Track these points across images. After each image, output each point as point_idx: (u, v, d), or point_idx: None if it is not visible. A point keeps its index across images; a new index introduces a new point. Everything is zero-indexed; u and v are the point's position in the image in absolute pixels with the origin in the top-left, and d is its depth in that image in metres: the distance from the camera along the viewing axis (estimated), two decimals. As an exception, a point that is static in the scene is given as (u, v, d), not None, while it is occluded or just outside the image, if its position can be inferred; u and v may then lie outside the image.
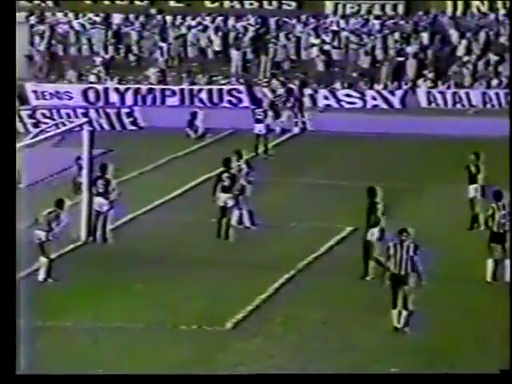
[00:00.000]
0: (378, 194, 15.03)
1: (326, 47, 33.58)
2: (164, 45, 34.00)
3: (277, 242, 15.80)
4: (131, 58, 33.88)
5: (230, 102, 31.68)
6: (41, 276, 15.18)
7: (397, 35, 33.74)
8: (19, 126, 28.46)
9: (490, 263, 14.62)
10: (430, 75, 32.59)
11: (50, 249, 15.16)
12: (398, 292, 12.80)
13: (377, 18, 34.25)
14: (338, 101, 31.63)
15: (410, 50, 33.39)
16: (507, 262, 14.59)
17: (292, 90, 29.42)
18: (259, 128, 24.85)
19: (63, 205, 15.45)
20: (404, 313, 12.90)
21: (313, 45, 33.71)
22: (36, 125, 27.17)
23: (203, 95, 31.91)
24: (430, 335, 12.80)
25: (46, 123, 25.61)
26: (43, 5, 34.85)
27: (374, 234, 14.83)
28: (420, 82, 32.55)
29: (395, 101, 31.75)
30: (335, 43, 33.70)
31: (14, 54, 10.44)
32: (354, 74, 32.95)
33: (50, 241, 15.14)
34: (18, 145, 15.74)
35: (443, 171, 19.50)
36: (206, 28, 34.46)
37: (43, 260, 15.17)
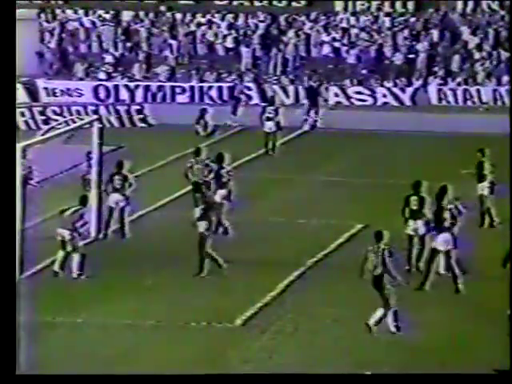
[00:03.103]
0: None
1: (336, 44, 33.52)
2: (174, 42, 34.00)
3: (287, 238, 15.79)
4: (141, 55, 33.90)
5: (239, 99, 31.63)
6: (56, 267, 15.20)
7: (407, 32, 33.65)
8: (30, 122, 28.66)
9: (441, 256, 15.04)
10: (441, 72, 32.49)
11: (72, 246, 15.18)
12: (379, 293, 13.03)
13: (387, 15, 34.16)
14: (349, 98, 31.56)
15: (420, 47, 33.29)
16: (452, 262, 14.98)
17: (311, 87, 29.37)
18: (269, 126, 24.81)
19: (87, 202, 15.49)
20: (389, 313, 12.97)
21: (323, 42, 33.66)
22: (46, 121, 27.19)
23: (213, 92, 31.89)
24: (433, 335, 12.76)
25: (56, 120, 25.64)
26: (53, 2, 34.89)
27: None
28: (430, 79, 32.46)
29: (406, 98, 31.67)
30: (345, 40, 33.64)
31: (14, 54, 10.43)
32: (364, 71, 32.88)
33: (73, 239, 15.15)
34: (28, 141, 15.95)
35: (454, 168, 19.41)
36: (216, 25, 34.44)
37: (61, 253, 15.20)
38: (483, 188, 17.74)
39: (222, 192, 17.40)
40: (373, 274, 13.07)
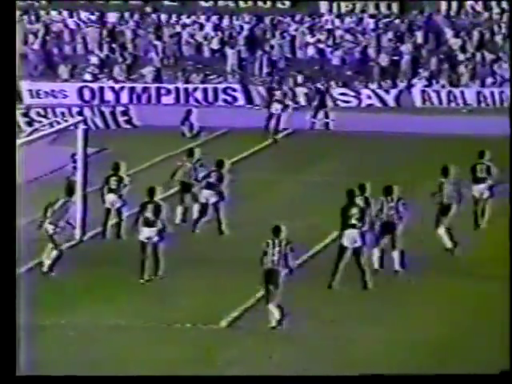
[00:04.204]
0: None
1: (321, 46, 33.60)
2: (159, 43, 33.98)
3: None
4: (126, 56, 33.86)
5: (225, 100, 31.68)
6: (45, 268, 15.26)
7: (391, 34, 33.76)
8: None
9: (376, 252, 15.34)
10: (425, 74, 32.62)
11: (53, 241, 15.24)
12: (270, 287, 13.24)
13: (371, 16, 34.26)
14: (333, 99, 31.65)
15: (404, 48, 33.41)
16: (394, 253, 15.28)
17: (319, 89, 29.49)
18: (276, 107, 25.00)
19: (73, 192, 15.70)
20: (270, 308, 13.22)
21: (307, 43, 33.72)
22: (30, 123, 27.13)
23: (198, 94, 31.90)
24: (433, 335, 12.81)
25: (40, 122, 25.59)
26: (37, 4, 34.80)
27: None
28: (415, 80, 32.58)
29: (390, 99, 31.77)
30: (330, 42, 33.72)
31: (14, 54, 10.43)
32: (349, 73, 32.97)
33: (55, 234, 15.24)
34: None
35: (436, 169, 19.52)
36: (201, 26, 34.45)
37: (53, 252, 15.24)
38: (482, 190, 17.80)
39: (210, 192, 17.51)
40: (268, 267, 13.30)
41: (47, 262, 15.32)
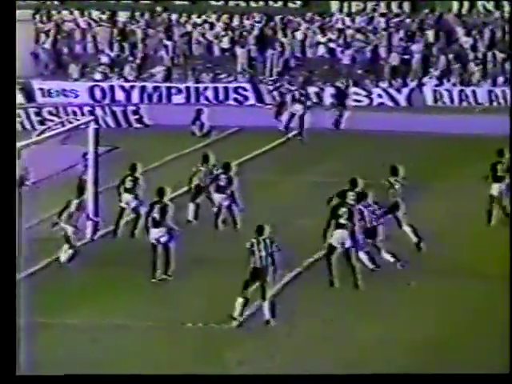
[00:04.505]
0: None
1: (332, 45, 33.57)
2: (169, 43, 34.01)
3: (283, 239, 15.81)
4: (137, 55, 33.90)
5: (235, 99, 31.69)
6: (62, 259, 15.47)
7: (402, 33, 33.70)
8: (26, 123, 28.63)
9: (362, 254, 15.41)
10: (436, 73, 32.55)
11: (75, 240, 15.54)
12: (252, 285, 13.44)
13: (382, 15, 34.21)
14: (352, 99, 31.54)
15: (415, 47, 33.35)
16: (384, 254, 15.39)
17: (339, 88, 29.47)
18: (297, 108, 24.93)
19: (84, 190, 16.04)
20: (265, 304, 13.40)
21: (318, 43, 33.70)
22: (42, 122, 27.21)
23: (209, 93, 31.91)
24: (433, 335, 12.79)
25: (52, 120, 25.65)
26: (49, 3, 34.87)
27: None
28: (426, 79, 32.52)
29: (401, 98, 31.72)
30: (340, 41, 33.68)
31: (14, 55, 10.44)
32: (360, 72, 32.92)
33: (76, 235, 15.50)
34: (24, 142, 15.98)
35: (449, 168, 19.50)
36: (211, 26, 34.47)
37: (69, 251, 15.51)
38: (500, 188, 17.84)
39: (221, 196, 17.58)
40: (255, 266, 13.45)
41: (63, 259, 15.51)
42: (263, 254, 13.49)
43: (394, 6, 34.35)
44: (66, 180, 19.44)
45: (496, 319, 13.03)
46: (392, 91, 31.90)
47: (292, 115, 25.62)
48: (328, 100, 30.78)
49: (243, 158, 23.95)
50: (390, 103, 31.53)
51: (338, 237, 14.71)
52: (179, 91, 32.03)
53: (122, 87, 32.10)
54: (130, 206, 17.35)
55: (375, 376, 10.02)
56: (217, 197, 17.82)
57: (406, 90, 31.90)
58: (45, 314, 13.61)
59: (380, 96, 31.67)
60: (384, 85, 32.31)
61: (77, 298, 14.40)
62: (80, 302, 14.25)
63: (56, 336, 13.09)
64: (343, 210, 14.74)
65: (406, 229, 16.40)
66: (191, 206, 18.38)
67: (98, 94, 31.88)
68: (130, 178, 17.34)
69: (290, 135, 25.35)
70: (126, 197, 17.31)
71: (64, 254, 15.61)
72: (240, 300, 13.49)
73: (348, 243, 14.68)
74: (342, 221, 14.69)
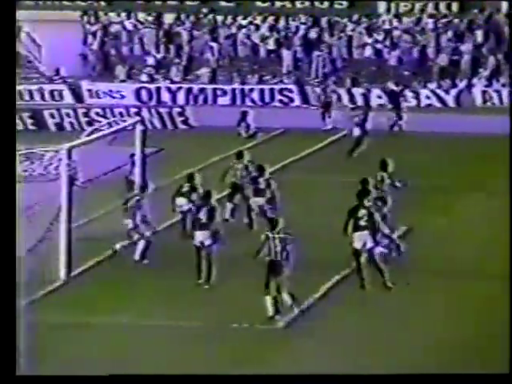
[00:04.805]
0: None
1: (378, 46, 33.35)
2: (215, 44, 34.06)
3: (331, 241, 15.71)
4: (182, 57, 34.00)
5: (281, 101, 31.64)
6: (136, 256, 15.75)
7: (450, 33, 33.38)
8: (75, 123, 28.95)
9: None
10: (485, 73, 32.17)
11: (137, 234, 15.75)
12: (272, 280, 13.45)
13: (430, 16, 33.91)
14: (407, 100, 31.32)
15: (464, 48, 33.01)
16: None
17: (393, 91, 29.31)
18: (356, 131, 24.79)
19: (146, 189, 16.07)
20: (283, 297, 13.42)
21: (365, 44, 33.50)
22: (90, 123, 27.42)
23: (254, 95, 31.89)
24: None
25: (99, 121, 25.82)
26: (96, 4, 35.12)
27: None
28: (475, 80, 32.15)
29: (450, 99, 31.40)
30: (387, 42, 33.45)
31: (15, 55, 10.41)
32: (407, 73, 32.65)
33: (136, 228, 15.72)
34: (73, 143, 16.11)
35: (498, 168, 19.25)
36: (257, 27, 34.44)
37: (142, 242, 15.78)
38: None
39: (259, 200, 17.58)
40: (271, 259, 13.50)
41: (137, 252, 15.82)
42: (278, 248, 13.50)
43: (442, 6, 34.03)
44: (113, 181, 19.53)
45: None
46: (440, 92, 31.60)
47: (356, 124, 25.12)
48: (375, 101, 30.60)
49: (289, 159, 23.86)
50: (439, 104, 31.24)
51: (359, 239, 14.62)
52: (225, 93, 32.03)
53: (168, 89, 32.21)
54: (182, 209, 17.24)
55: (375, 376, 9.87)
56: (255, 200, 17.69)
57: (454, 91, 31.57)
58: (90, 314, 13.65)
59: (428, 97, 31.39)
60: (432, 86, 32.02)
61: (124, 298, 14.42)
62: (127, 302, 14.27)
63: (104, 335, 13.12)
64: (363, 212, 14.63)
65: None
66: (228, 205, 18.32)
67: (144, 95, 32.03)
68: (187, 184, 17.16)
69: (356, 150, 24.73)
70: (181, 200, 17.22)
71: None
72: (267, 298, 13.48)
73: (369, 244, 14.59)
74: (362, 223, 14.59)
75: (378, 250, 14.78)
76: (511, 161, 19.16)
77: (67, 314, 13.72)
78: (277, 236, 13.54)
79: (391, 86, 29.90)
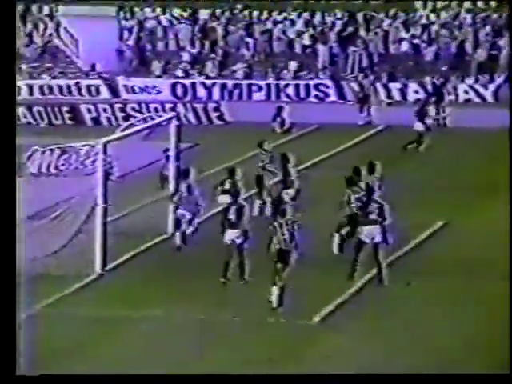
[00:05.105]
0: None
1: (415, 41, 33.10)
2: (250, 40, 34.00)
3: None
4: (217, 52, 34.00)
5: (316, 96, 31.51)
6: (177, 242, 16.07)
7: (489, 28, 33.02)
8: (112, 118, 29.12)
9: (337, 236, 15.55)
10: (524, 68, 31.78)
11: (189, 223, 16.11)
12: (280, 268, 13.47)
13: (468, 11, 33.57)
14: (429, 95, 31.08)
15: (502, 43, 32.64)
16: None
17: (435, 84, 29.09)
18: (418, 125, 24.60)
19: (189, 174, 16.37)
20: (276, 288, 13.40)
21: (401, 39, 33.27)
22: (126, 118, 27.53)
23: (289, 90, 31.79)
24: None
25: (135, 117, 25.91)
26: (133, 1, 35.22)
27: None
28: (514, 75, 31.79)
29: (488, 94, 31.08)
30: (424, 37, 33.18)
31: (14, 54, 10.38)
32: (445, 68, 32.37)
33: (194, 218, 16.16)
34: (109, 137, 16.18)
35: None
36: (292, 23, 34.34)
37: (190, 228, 16.18)
38: None
39: (290, 191, 17.50)
40: (280, 248, 13.51)
41: (181, 237, 16.20)
42: (286, 235, 13.50)
43: (480, 1, 33.68)
44: (147, 176, 19.55)
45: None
46: (478, 87, 31.28)
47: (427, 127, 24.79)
48: (412, 96, 30.35)
49: (324, 154, 23.73)
50: (477, 99, 30.93)
51: (368, 232, 14.52)
52: (260, 88, 31.97)
53: (204, 84, 32.21)
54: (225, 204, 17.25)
55: (375, 376, 9.79)
56: (285, 196, 17.61)
57: (492, 86, 31.23)
58: (125, 307, 13.66)
59: (466, 92, 31.08)
60: (470, 81, 31.70)
61: (160, 291, 14.42)
62: (162, 296, 14.27)
63: (139, 328, 13.12)
64: (374, 205, 14.56)
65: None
66: (257, 203, 18.23)
67: (179, 90, 32.06)
68: (228, 180, 17.18)
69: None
70: (223, 198, 17.18)
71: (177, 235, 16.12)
72: (274, 288, 13.46)
73: (378, 238, 14.48)
74: (372, 216, 14.49)
75: (383, 244, 14.70)
76: (511, 158, 18.95)
77: (102, 307, 13.74)
78: (285, 224, 13.57)
79: (433, 79, 29.65)
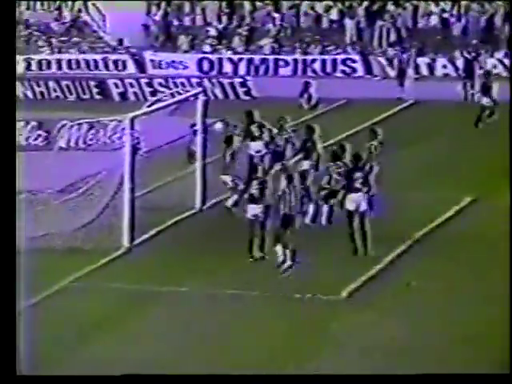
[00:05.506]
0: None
1: (445, 15, 32.75)
2: (277, 15, 33.82)
3: (394, 211, 15.50)
4: (244, 27, 33.85)
5: (343, 71, 31.31)
6: (229, 203, 16.40)
7: (520, 2, 32.59)
8: (139, 93, 29.10)
9: (312, 207, 15.57)
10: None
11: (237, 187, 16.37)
12: (285, 232, 13.74)
13: (497, -16, 33.15)
14: (457, 69, 30.79)
15: (531, 17, 32.22)
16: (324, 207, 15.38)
17: (467, 59, 28.80)
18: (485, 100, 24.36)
19: (231, 142, 16.56)
20: (282, 249, 13.79)
21: (430, 13, 32.93)
22: (153, 93, 27.53)
23: (316, 65, 31.61)
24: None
25: (162, 92, 25.88)
26: (159, -25, 35.11)
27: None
28: (544, 49, 31.39)
29: (516, 69, 30.73)
30: (454, 11, 32.82)
31: (14, 53, 10.33)
32: (474, 42, 32.03)
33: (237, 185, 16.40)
34: (136, 112, 16.17)
35: None
36: (319, -3, 34.12)
37: (234, 196, 16.37)
38: None
39: (308, 162, 17.18)
40: (285, 213, 13.77)
41: (229, 204, 16.42)
42: (293, 201, 13.68)
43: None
44: (175, 151, 19.56)
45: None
46: (507, 61, 30.90)
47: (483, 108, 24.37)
48: (441, 71, 30.05)
49: (351, 130, 23.62)
50: (505, 73, 30.57)
51: (353, 200, 14.50)
52: (286, 63, 31.81)
53: (230, 59, 32.10)
54: (261, 154, 16.88)
55: (375, 376, 9.72)
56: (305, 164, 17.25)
57: (521, 60, 30.86)
58: (156, 283, 13.72)
59: (495, 66, 30.73)
60: (499, 55, 31.34)
61: (188, 267, 14.46)
62: (191, 272, 14.31)
63: (167, 303, 13.18)
64: (358, 174, 14.52)
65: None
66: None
67: (206, 66, 31.99)
68: (253, 125, 16.88)
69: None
70: (255, 145, 17.02)
71: (230, 200, 16.34)
72: (278, 247, 13.92)
73: (363, 207, 14.44)
74: (357, 185, 14.43)
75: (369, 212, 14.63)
76: (511, 152, 18.74)
77: (130, 281, 13.81)
78: (292, 189, 13.78)
79: (463, 53, 29.30)
